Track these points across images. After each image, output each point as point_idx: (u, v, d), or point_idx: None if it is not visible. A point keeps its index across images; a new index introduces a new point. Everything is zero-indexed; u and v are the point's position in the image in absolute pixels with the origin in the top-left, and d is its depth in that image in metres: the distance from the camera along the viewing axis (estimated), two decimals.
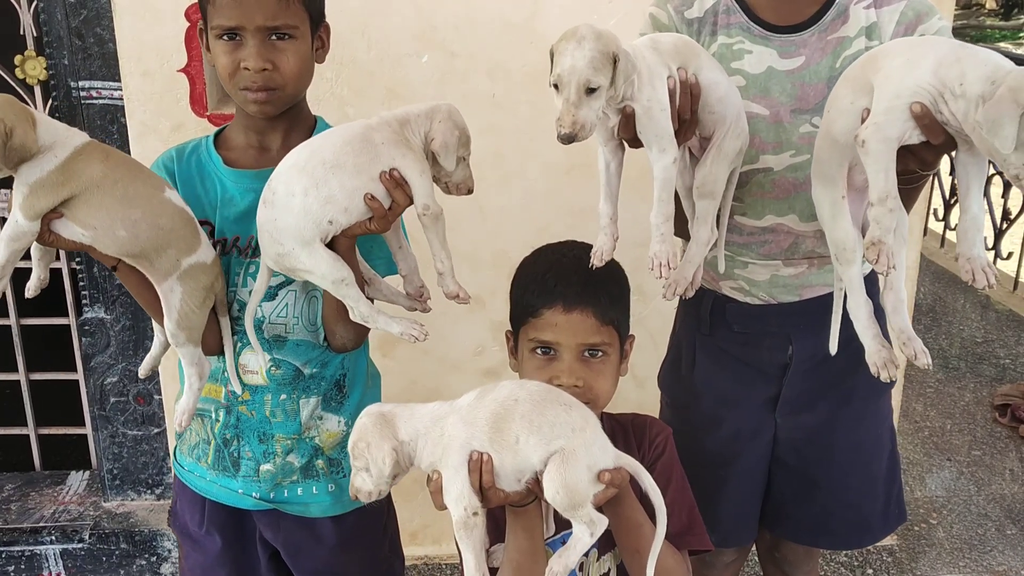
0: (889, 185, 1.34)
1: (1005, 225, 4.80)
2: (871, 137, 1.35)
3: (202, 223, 1.57)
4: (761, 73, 1.66)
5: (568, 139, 1.34)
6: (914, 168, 1.41)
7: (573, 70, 1.34)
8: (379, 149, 1.44)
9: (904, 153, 1.36)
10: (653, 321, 2.42)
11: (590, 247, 1.57)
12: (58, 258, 2.91)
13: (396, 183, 1.44)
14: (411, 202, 1.47)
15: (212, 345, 1.62)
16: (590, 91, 1.35)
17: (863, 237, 1.53)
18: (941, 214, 5.36)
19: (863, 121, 1.38)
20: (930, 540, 3.19)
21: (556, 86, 1.37)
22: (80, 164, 1.39)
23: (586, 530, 1.25)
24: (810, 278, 1.76)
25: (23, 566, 2.94)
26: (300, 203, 1.43)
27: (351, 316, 1.51)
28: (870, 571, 3.04)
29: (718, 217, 1.64)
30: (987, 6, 14.84)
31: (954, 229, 5.29)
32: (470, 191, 1.56)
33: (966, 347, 4.74)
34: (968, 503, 3.41)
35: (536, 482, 1.28)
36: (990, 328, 4.92)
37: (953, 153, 1.40)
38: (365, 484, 1.31)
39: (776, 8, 1.66)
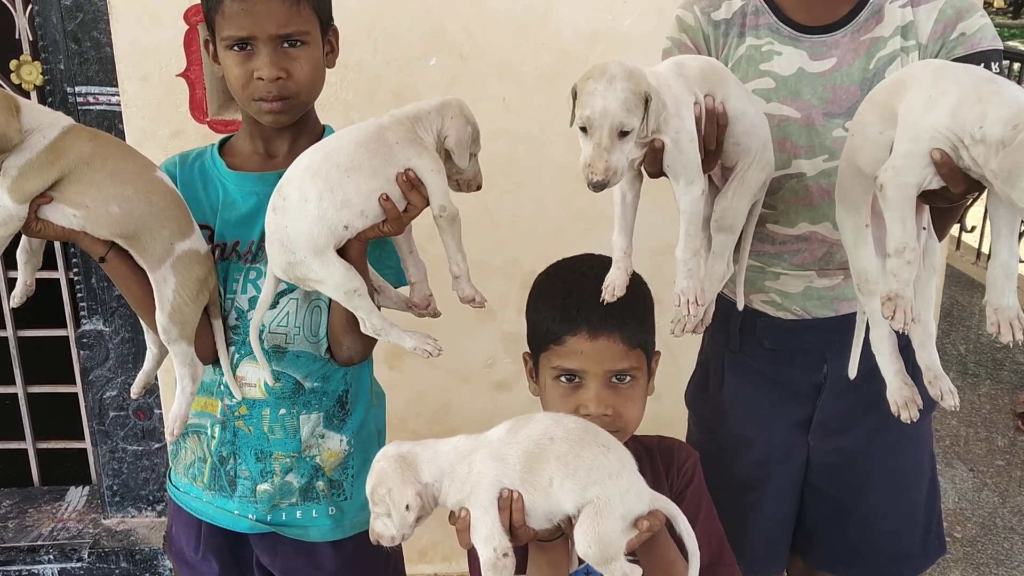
0: (907, 236, 1.26)
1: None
2: (889, 182, 1.26)
3: (202, 227, 1.54)
4: (791, 75, 1.59)
5: (600, 186, 1.26)
6: (940, 204, 1.34)
7: (605, 113, 1.25)
8: (394, 150, 1.40)
9: (928, 193, 1.28)
10: (668, 332, 2.34)
11: (609, 260, 1.49)
12: (55, 268, 2.87)
13: (412, 184, 1.39)
14: (427, 203, 1.42)
15: (207, 352, 1.57)
16: (622, 134, 1.27)
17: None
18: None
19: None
20: (956, 555, 3.10)
21: (584, 128, 1.28)
22: (68, 143, 1.37)
23: None
24: (846, 291, 1.67)
25: None
26: (315, 209, 1.37)
27: (362, 328, 1.46)
28: None
29: (736, 251, 1.56)
30: (995, 5, 14.77)
31: (970, 231, 5.24)
32: (479, 187, 1.52)
33: (984, 352, 4.66)
34: (993, 515, 3.33)
35: (568, 523, 1.22)
36: None
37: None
38: (387, 529, 1.25)
39: (807, 8, 1.59)
